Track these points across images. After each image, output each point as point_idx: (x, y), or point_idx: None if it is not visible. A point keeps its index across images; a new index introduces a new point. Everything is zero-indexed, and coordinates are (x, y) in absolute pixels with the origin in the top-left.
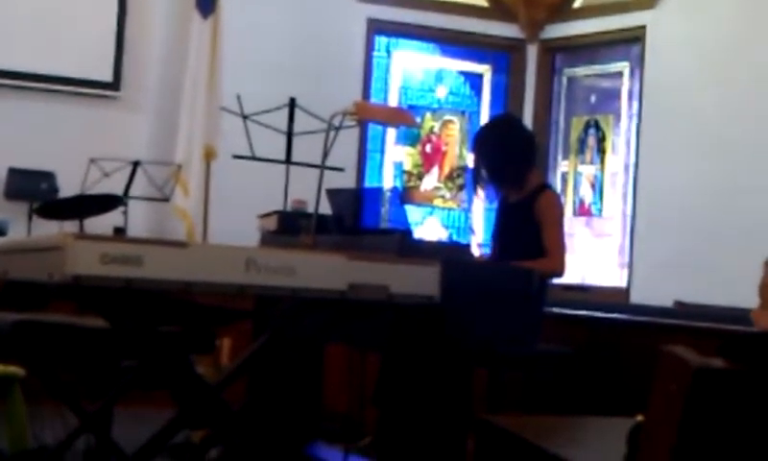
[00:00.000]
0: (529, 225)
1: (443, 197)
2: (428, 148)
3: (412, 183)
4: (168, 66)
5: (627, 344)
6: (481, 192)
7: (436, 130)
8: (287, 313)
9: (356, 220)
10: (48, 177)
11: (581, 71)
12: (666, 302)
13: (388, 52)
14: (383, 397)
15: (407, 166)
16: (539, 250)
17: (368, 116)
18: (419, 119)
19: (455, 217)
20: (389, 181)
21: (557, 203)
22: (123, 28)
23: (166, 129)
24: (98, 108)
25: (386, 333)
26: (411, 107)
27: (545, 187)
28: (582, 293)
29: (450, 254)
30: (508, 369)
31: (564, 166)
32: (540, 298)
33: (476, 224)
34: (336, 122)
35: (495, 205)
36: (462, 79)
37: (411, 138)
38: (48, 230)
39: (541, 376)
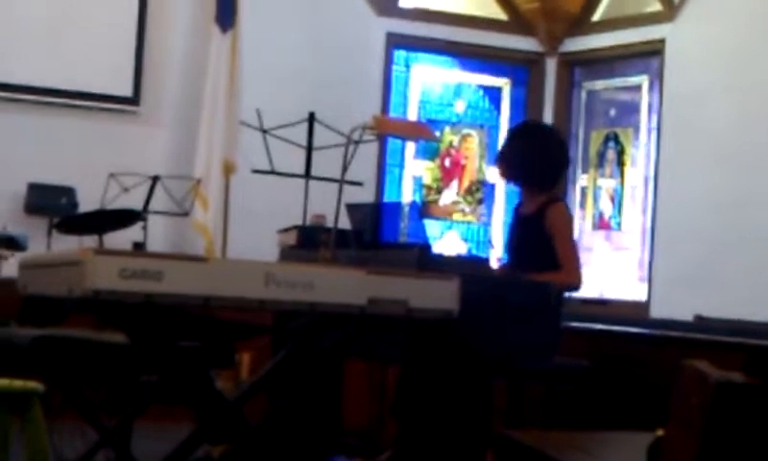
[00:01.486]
0: (540, 238)
1: (462, 211)
2: (447, 162)
3: (431, 198)
4: (187, 81)
5: (647, 358)
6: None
7: (455, 144)
8: (306, 328)
9: (375, 234)
10: (68, 192)
11: (600, 84)
12: (686, 316)
13: (407, 66)
14: (401, 408)
15: (426, 180)
16: (551, 262)
17: (387, 130)
18: (438, 133)
19: (474, 231)
20: (408, 196)
21: (566, 214)
22: (142, 42)
23: (185, 143)
24: (117, 122)
25: (405, 347)
26: (430, 121)
27: (555, 200)
28: (601, 307)
29: (469, 269)
30: (527, 382)
31: (583, 180)
32: (557, 311)
33: (495, 238)
34: (355, 136)
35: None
36: (481, 92)
37: (430, 152)
38: (68, 245)
39: (561, 390)
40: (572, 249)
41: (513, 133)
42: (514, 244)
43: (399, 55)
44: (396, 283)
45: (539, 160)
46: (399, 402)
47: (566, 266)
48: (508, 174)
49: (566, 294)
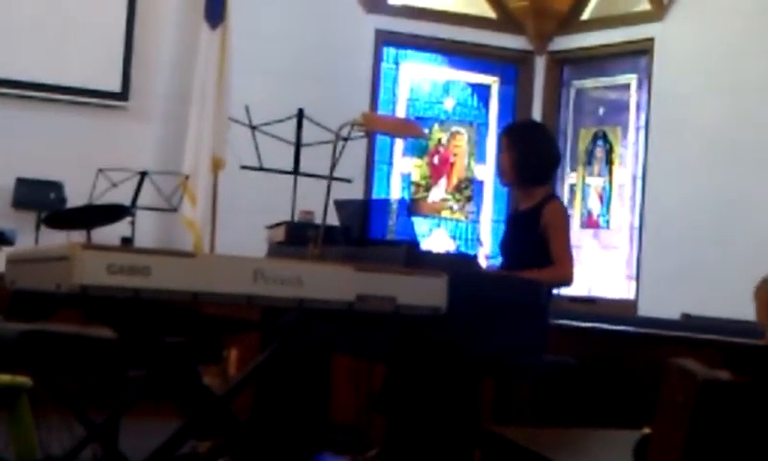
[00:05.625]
0: (535, 234)
1: (450, 208)
2: (436, 159)
3: (420, 195)
4: (176, 76)
5: (634, 356)
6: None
7: (444, 141)
8: (294, 324)
9: (364, 231)
10: (56, 187)
11: (589, 83)
12: (674, 314)
13: (396, 63)
14: (385, 405)
15: (415, 177)
16: (544, 259)
17: (376, 127)
18: (426, 130)
19: (463, 229)
20: (396, 193)
21: (563, 211)
22: (131, 38)
23: (174, 139)
24: (106, 118)
25: (393, 344)
26: (419, 118)
27: (552, 197)
28: (589, 305)
29: (457, 266)
30: (515, 380)
31: (571, 178)
32: (545, 309)
33: (484, 235)
34: (344, 133)
35: (504, 216)
36: (470, 90)
37: (419, 150)
38: (56, 240)
39: (549, 388)
40: (566, 244)
41: (503, 138)
42: (508, 240)
43: (389, 52)
44: (384, 280)
45: (532, 158)
46: (384, 399)
47: (560, 261)
48: (509, 180)
49: (556, 291)
